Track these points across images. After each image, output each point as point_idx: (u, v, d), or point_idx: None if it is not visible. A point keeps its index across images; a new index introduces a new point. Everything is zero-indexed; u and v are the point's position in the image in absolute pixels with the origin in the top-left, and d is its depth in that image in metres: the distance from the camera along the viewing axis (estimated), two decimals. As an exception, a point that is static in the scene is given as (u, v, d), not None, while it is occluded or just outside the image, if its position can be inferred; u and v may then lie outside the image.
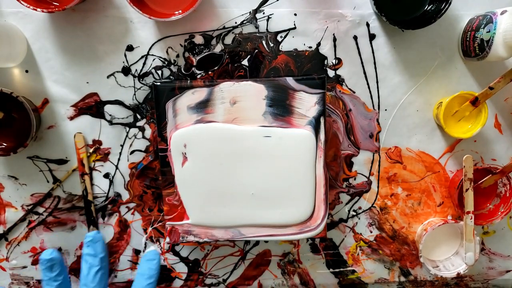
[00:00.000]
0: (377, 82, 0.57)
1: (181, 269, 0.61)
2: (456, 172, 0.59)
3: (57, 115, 0.56)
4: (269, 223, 0.54)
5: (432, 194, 0.60)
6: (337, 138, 0.58)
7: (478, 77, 0.57)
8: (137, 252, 0.60)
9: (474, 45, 0.52)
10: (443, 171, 0.60)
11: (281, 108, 0.52)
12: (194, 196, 0.53)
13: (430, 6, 0.54)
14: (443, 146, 0.59)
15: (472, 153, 0.59)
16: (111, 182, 0.58)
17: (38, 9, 0.49)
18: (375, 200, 0.60)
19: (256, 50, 0.56)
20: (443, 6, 0.51)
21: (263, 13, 0.55)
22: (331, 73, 0.57)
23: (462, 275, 0.60)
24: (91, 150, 0.57)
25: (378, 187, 0.59)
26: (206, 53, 0.56)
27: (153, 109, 0.56)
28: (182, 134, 0.52)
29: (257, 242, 0.60)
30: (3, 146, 0.54)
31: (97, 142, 0.57)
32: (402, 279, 0.62)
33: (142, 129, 0.57)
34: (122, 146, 0.57)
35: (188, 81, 0.52)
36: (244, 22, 0.55)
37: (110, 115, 0.57)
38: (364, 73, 0.57)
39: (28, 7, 0.49)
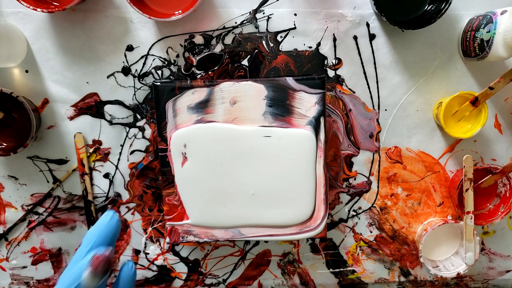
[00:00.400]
0: (377, 82, 0.57)
1: (181, 269, 0.61)
2: (456, 172, 0.59)
3: (57, 115, 0.56)
4: (269, 223, 0.54)
5: (432, 194, 0.60)
6: (337, 138, 0.58)
7: (478, 77, 0.57)
8: (137, 252, 0.60)
9: (474, 45, 0.52)
10: (443, 171, 0.60)
11: (281, 108, 0.52)
12: (194, 196, 0.53)
13: (430, 6, 0.54)
14: (443, 146, 0.59)
15: (472, 153, 0.59)
16: (111, 182, 0.58)
17: (38, 9, 0.49)
18: (375, 200, 0.60)
19: (256, 50, 0.56)
20: (443, 6, 0.51)
21: (263, 13, 0.55)
22: (331, 73, 0.57)
23: (462, 275, 0.60)
24: (91, 150, 0.57)
25: (378, 187, 0.59)
26: (206, 53, 0.56)
27: (153, 109, 0.56)
28: (182, 134, 0.52)
29: (257, 242, 0.60)
30: (3, 146, 0.54)
31: (97, 142, 0.57)
32: (402, 279, 0.62)
33: (142, 129, 0.57)
34: (122, 146, 0.57)
35: (188, 81, 0.52)
36: (244, 22, 0.55)
37: (110, 115, 0.57)
38: (364, 73, 0.57)
39: (28, 7, 0.49)
